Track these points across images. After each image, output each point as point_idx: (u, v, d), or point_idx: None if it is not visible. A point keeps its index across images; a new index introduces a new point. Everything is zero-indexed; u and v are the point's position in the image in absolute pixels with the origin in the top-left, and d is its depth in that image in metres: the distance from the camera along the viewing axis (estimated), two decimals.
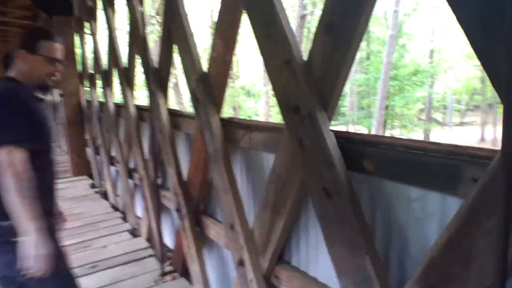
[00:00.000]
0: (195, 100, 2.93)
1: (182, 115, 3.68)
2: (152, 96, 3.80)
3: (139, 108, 4.82)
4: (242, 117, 29.51)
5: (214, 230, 3.15)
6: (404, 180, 1.58)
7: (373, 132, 20.25)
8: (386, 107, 22.59)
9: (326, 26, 1.69)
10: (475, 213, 1.26)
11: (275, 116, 23.17)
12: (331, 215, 1.74)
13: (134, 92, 5.15)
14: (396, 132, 27.15)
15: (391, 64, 20.49)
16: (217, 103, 2.80)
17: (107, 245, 4.72)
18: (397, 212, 1.69)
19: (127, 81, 5.13)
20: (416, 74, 25.50)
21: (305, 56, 1.83)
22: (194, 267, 3.45)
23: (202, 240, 3.57)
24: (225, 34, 2.60)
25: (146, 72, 4.10)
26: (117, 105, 5.82)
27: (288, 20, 1.88)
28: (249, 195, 2.77)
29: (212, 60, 2.75)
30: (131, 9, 4.46)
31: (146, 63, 4.03)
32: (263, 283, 2.43)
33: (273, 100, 23.89)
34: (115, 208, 6.26)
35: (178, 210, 3.58)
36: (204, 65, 2.92)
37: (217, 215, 3.32)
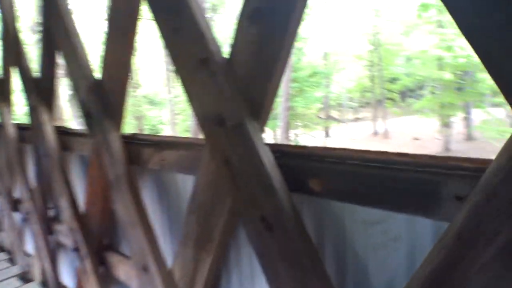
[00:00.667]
0: (86, 114, 2.36)
1: (73, 134, 3.04)
2: (33, 112, 3.11)
3: (20, 128, 4.00)
4: (146, 127, 28.23)
5: (123, 270, 2.60)
6: (361, 201, 1.28)
7: (279, 133, 20.68)
8: (289, 108, 23.28)
9: (252, 12, 1.32)
10: (467, 241, 0.99)
11: (181, 124, 22.48)
12: (274, 252, 1.38)
13: (12, 108, 4.29)
14: (299, 131, 28.17)
15: (291, 67, 21.15)
16: (116, 116, 2.28)
17: None
18: (353, 240, 1.38)
19: (2, 95, 4.25)
20: (314, 76, 26.77)
21: (225, 53, 1.45)
22: None
23: (109, 283, 2.98)
24: (120, 28, 2.10)
25: (23, 83, 3.36)
26: None
27: (201, 8, 1.48)
28: (164, 227, 2.29)
29: (106, 63, 2.22)
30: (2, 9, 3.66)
31: (22, 72, 3.31)
32: None
33: (178, 108, 23.19)
34: (0, 248, 5.21)
35: (76, 249, 2.94)
36: (98, 71, 2.37)
37: (126, 249, 2.77)
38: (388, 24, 27.71)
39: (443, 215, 1.07)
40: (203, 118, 1.50)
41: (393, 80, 31.39)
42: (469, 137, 20.80)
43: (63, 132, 3.11)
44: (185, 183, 2.05)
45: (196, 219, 1.77)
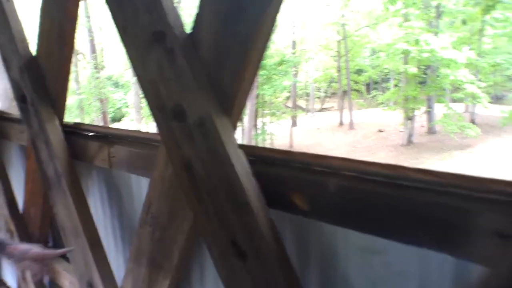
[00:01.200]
0: (20, 98, 1.96)
1: (10, 120, 2.61)
2: None
3: None
4: (110, 110, 27.05)
5: (69, 281, 2.24)
6: (358, 226, 1.00)
7: (246, 123, 20.34)
8: (257, 96, 22.96)
9: None
10: None
11: (147, 108, 21.62)
12: (247, 285, 1.09)
13: None
14: (267, 119, 27.98)
15: None
16: (55, 101, 1.89)
17: None
18: (346, 272, 1.11)
19: None
20: (282, 64, 26.50)
21: (187, 26, 1.12)
22: None
23: None
24: None
25: None
26: None
27: None
28: (115, 235, 1.95)
29: (43, 35, 1.81)
30: None
31: None
32: None
33: None
34: None
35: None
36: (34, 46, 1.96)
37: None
38: (355, 15, 27.76)
39: (477, 256, 0.81)
40: (158, 110, 1.17)
41: (359, 71, 31.66)
42: (431, 131, 21.25)
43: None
44: (140, 185, 1.72)
45: (151, 232, 1.45)
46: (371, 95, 34.40)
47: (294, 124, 28.38)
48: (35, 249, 1.28)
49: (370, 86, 36.80)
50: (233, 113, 1.10)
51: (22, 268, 1.29)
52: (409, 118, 20.29)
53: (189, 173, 1.14)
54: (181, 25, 1.10)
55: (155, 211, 1.41)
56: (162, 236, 1.41)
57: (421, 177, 0.88)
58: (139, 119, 21.56)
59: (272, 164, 1.10)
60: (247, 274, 1.07)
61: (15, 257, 1.27)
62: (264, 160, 1.12)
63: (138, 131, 1.63)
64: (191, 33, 1.08)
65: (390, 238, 0.93)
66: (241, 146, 1.10)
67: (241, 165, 1.06)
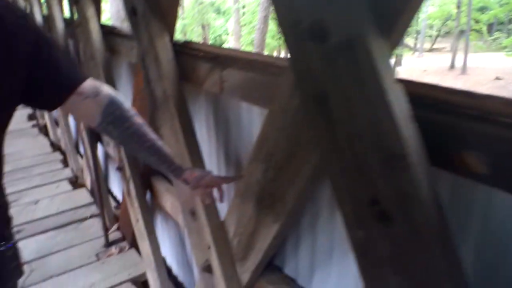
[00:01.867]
0: (131, 11, 1.84)
1: (121, 35, 2.58)
2: (75, 4, 2.65)
3: (68, 23, 3.60)
4: (211, 36, 27.50)
5: (170, 202, 2.26)
6: None
7: None
8: None
9: None
10: None
11: (246, 37, 21.40)
12: (387, 255, 0.87)
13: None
14: None
15: None
16: (167, 16, 1.74)
17: (39, 200, 3.77)
18: None
19: None
20: None
21: None
22: (144, 246, 2.61)
23: (153, 210, 2.70)
24: None
25: None
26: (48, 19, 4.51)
27: None
28: (220, 166, 1.85)
29: None
30: None
31: None
32: None
33: (245, 19, 21.96)
34: (56, 147, 5.21)
35: (120, 168, 2.64)
36: None
37: None
38: None
39: None
40: (290, 27, 0.92)
41: (482, 9, 27.55)
42: None
43: (110, 32, 2.65)
44: (251, 116, 1.55)
45: (263, 170, 1.28)
46: (493, 37, 30.13)
47: (398, 63, 26.29)
48: (209, 175, 1.21)
49: (494, 26, 32.12)
50: (393, 36, 0.81)
51: (196, 194, 1.25)
52: None
53: (323, 110, 0.91)
54: None
55: (271, 147, 1.23)
56: (277, 176, 1.24)
57: None
58: (238, 48, 21.62)
59: (439, 108, 0.82)
60: (387, 242, 0.85)
61: (191, 183, 1.21)
62: (429, 101, 0.84)
63: (256, 53, 1.41)
64: None
65: None
66: (400, 81, 0.83)
67: (400, 106, 0.80)
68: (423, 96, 0.85)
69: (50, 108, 1.08)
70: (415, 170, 0.78)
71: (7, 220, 1.16)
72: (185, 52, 1.72)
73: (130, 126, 1.11)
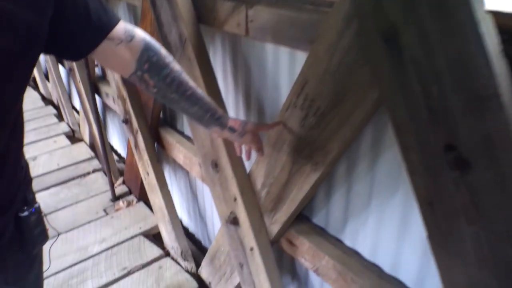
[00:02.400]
0: None
1: None
2: None
3: None
4: None
5: (183, 155, 2.18)
6: None
7: None
8: None
9: None
10: None
11: None
12: (463, 200, 0.81)
13: None
14: None
15: None
16: None
17: (37, 156, 3.66)
18: None
19: None
20: None
21: None
22: (155, 199, 2.56)
23: (164, 162, 2.62)
24: None
25: None
26: None
27: None
28: (240, 114, 1.75)
29: None
30: None
31: None
32: (270, 254, 1.60)
33: None
34: (48, 101, 5.02)
35: (126, 121, 2.52)
36: None
37: (187, 128, 2.32)
38: None
39: None
40: None
41: None
42: None
43: None
44: (279, 60, 1.44)
45: (302, 117, 1.20)
46: None
47: None
48: (250, 122, 1.13)
49: None
50: None
51: (243, 142, 1.17)
52: None
53: (391, 48, 0.81)
54: None
55: (312, 92, 1.13)
56: (318, 124, 1.16)
57: None
58: None
59: None
60: (464, 191, 0.79)
61: (237, 131, 1.12)
62: None
63: None
64: None
65: None
66: (490, 11, 0.73)
67: (491, 39, 0.70)
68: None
69: (78, 56, 0.94)
70: (507, 112, 0.70)
71: (29, 181, 1.08)
72: None
73: (169, 74, 1.00)
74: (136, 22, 2.44)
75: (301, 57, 1.28)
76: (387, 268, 1.30)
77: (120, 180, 3.20)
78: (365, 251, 1.37)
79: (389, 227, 1.24)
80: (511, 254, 0.76)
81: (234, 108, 1.77)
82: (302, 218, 1.56)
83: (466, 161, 0.77)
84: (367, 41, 0.88)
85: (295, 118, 1.23)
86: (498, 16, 0.75)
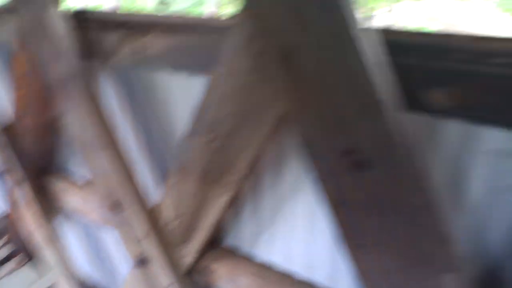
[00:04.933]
0: None
1: None
2: None
3: None
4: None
5: (78, 199, 2.01)
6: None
7: None
8: None
9: None
10: None
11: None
12: (366, 200, 0.89)
13: None
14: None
15: None
16: None
17: None
18: (479, 179, 0.92)
19: None
20: None
21: None
22: (49, 254, 2.29)
23: (54, 213, 2.37)
24: None
25: None
26: None
27: None
28: (142, 149, 1.68)
29: None
30: None
31: None
32: (187, 286, 1.54)
33: None
34: None
35: (4, 173, 2.24)
36: None
37: (82, 168, 2.12)
38: None
39: None
40: None
41: None
42: None
43: None
44: (175, 87, 1.42)
45: (207, 142, 1.20)
46: None
47: (389, 11, 26.73)
48: None
49: None
50: None
51: None
52: None
53: (290, 67, 0.87)
54: None
55: (216, 116, 1.15)
56: (224, 145, 1.17)
57: None
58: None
59: (411, 52, 0.84)
60: (364, 189, 0.87)
61: None
62: (402, 46, 0.85)
63: (182, 16, 1.27)
64: None
65: None
66: (371, 29, 0.83)
67: (372, 54, 0.80)
68: (393, 42, 0.86)
69: None
70: (390, 116, 0.80)
71: None
72: (88, 23, 1.49)
73: None
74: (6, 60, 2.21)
75: (202, 82, 1.29)
76: (303, 271, 1.35)
77: (4, 239, 2.80)
78: (280, 260, 1.40)
79: (298, 234, 1.30)
80: (405, 239, 0.85)
81: (135, 140, 1.69)
82: (215, 242, 1.54)
83: (364, 162, 0.85)
84: (266, 61, 0.92)
85: (200, 144, 1.22)
86: (380, 30, 0.85)
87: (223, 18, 1.10)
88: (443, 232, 0.84)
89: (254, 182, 1.33)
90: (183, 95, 1.40)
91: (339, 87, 0.82)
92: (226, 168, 1.19)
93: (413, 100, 0.84)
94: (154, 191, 1.57)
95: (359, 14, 0.79)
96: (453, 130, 0.89)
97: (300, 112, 0.89)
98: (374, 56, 0.79)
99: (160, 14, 1.34)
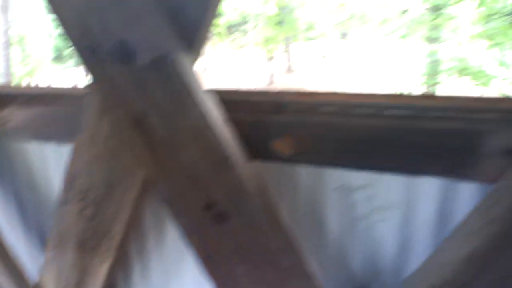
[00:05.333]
0: None
1: None
2: None
3: None
4: None
5: None
6: (352, 163, 0.92)
7: None
8: None
9: None
10: None
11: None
12: (230, 250, 0.94)
13: None
14: None
15: None
16: None
17: None
18: (329, 214, 1.04)
19: None
20: None
21: None
22: None
23: None
24: None
25: None
26: None
27: None
28: (13, 224, 1.55)
29: None
30: None
31: None
32: None
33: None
34: None
35: None
36: None
37: None
38: None
39: (480, 177, 0.81)
40: (89, 52, 0.87)
41: (219, 15, 31.28)
42: (290, 69, 22.51)
43: None
44: (46, 156, 1.36)
45: (79, 211, 1.16)
46: (233, 38, 34.59)
47: None
48: None
49: (231, 29, 36.83)
50: (196, 48, 0.87)
51: None
52: (270, 59, 21.05)
53: (142, 130, 0.90)
54: None
55: (84, 183, 1.12)
56: (97, 212, 1.14)
57: (420, 103, 0.83)
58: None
59: (246, 108, 0.93)
60: (227, 239, 0.92)
61: None
62: (237, 104, 0.94)
63: (43, 87, 1.23)
64: None
65: (391, 171, 0.88)
66: (209, 90, 0.90)
67: (213, 113, 0.87)
68: (231, 100, 0.94)
69: None
70: (239, 167, 0.87)
71: None
72: None
73: None
74: None
75: (68, 150, 1.25)
76: None
77: None
78: None
79: None
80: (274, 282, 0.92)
81: (6, 218, 1.56)
82: None
83: (224, 214, 0.91)
84: (120, 128, 0.94)
85: (73, 212, 1.18)
86: (215, 91, 0.93)
87: (83, 87, 1.10)
88: (308, 270, 0.93)
89: (139, 244, 1.31)
90: (55, 163, 1.35)
91: (190, 147, 0.87)
92: (103, 234, 1.16)
93: (262, 150, 0.93)
94: (33, 268, 1.46)
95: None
96: (304, 173, 1.00)
97: (158, 174, 0.93)
98: (217, 115, 0.86)
99: (19, 86, 1.28)
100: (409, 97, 0.83)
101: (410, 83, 11.70)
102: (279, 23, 20.31)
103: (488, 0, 8.77)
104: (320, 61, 20.76)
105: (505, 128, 0.76)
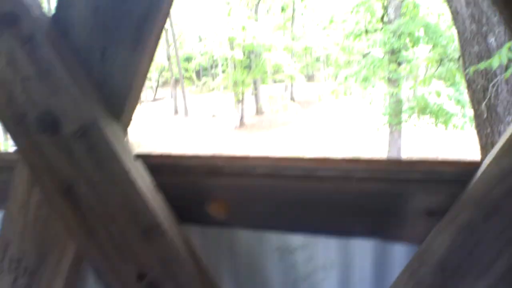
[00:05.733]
0: None
1: None
2: None
3: None
4: None
5: None
6: (282, 227, 0.92)
7: None
8: None
9: None
10: (454, 272, 0.75)
11: None
12: None
13: None
14: None
15: None
16: None
17: None
18: (267, 276, 1.02)
19: None
20: None
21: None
22: None
23: None
24: None
25: None
26: None
27: None
28: None
29: None
30: None
31: None
32: None
33: None
34: None
35: None
36: None
37: None
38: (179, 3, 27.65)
39: (406, 238, 0.82)
40: (14, 122, 0.85)
41: (188, 59, 31.93)
42: (259, 111, 22.92)
43: None
44: None
45: (12, 281, 1.09)
46: (203, 82, 35.10)
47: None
48: None
49: (201, 73, 37.46)
50: (125, 115, 0.88)
51: None
52: (239, 101, 21.41)
53: (71, 200, 0.88)
54: (39, 5, 0.81)
55: (16, 252, 1.07)
56: (30, 283, 1.08)
57: (346, 166, 0.85)
58: None
59: (178, 173, 0.93)
60: None
61: None
62: (168, 168, 0.93)
63: None
64: (57, 14, 0.81)
65: (317, 233, 0.89)
66: (138, 156, 0.89)
67: (143, 180, 0.86)
68: (162, 165, 0.94)
69: None
70: (171, 234, 0.86)
71: None
72: None
73: None
74: None
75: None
76: None
77: None
78: None
79: None
80: None
81: None
82: None
83: (156, 284, 0.88)
84: (49, 197, 0.91)
85: (5, 284, 1.11)
86: (148, 157, 0.92)
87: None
88: None
89: None
90: None
91: (118, 216, 0.85)
92: None
93: (197, 215, 0.92)
94: None
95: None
96: (243, 236, 0.98)
97: (89, 244, 0.90)
98: (146, 181, 0.86)
99: None
100: (336, 160, 0.85)
101: (374, 123, 12.08)
102: (247, 66, 20.91)
103: (441, 44, 9.35)
104: (288, 103, 21.29)
105: (425, 190, 0.79)
